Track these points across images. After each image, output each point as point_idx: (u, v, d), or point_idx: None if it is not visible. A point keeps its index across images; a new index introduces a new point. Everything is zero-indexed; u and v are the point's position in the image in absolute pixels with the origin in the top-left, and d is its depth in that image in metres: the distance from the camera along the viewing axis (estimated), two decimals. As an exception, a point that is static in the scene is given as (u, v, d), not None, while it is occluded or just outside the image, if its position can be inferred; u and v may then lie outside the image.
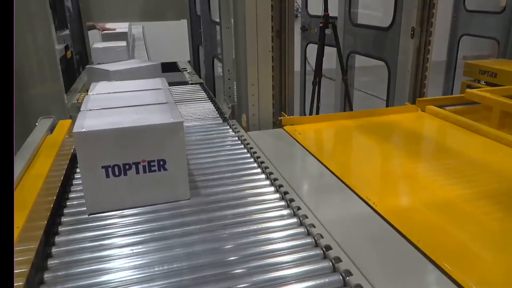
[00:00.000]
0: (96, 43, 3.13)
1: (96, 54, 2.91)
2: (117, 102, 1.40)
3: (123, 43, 3.02)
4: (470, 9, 4.38)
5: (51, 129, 1.63)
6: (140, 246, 1.05)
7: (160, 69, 2.83)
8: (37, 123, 1.66)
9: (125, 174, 1.18)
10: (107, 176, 1.17)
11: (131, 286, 0.92)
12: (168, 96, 1.46)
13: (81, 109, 1.33)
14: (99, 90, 1.58)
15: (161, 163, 1.21)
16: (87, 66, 2.89)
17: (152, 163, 1.20)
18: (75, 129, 1.13)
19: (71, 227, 1.15)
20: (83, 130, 1.13)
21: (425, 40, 2.48)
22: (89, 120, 1.21)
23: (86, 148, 1.14)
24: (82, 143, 1.15)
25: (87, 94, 1.54)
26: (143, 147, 1.19)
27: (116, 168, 1.17)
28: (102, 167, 1.16)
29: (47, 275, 0.96)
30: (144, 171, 1.20)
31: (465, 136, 1.87)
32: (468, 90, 2.34)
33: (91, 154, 1.15)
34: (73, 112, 1.95)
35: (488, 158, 1.64)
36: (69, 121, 1.65)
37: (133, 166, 1.19)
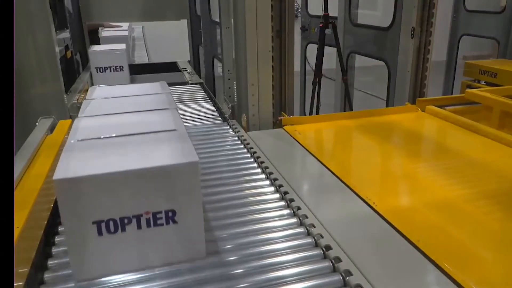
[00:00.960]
0: (94, 46, 3.12)
1: (94, 57, 2.90)
2: (115, 128, 1.12)
3: (122, 46, 3.02)
4: (470, 9, 4.38)
5: (51, 129, 1.63)
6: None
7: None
8: (37, 123, 1.66)
9: (123, 230, 0.92)
10: (100, 233, 0.90)
11: (131, 286, 0.92)
12: (177, 118, 1.19)
13: (69, 136, 1.08)
14: (95, 105, 1.33)
15: (170, 214, 0.94)
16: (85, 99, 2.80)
17: (158, 215, 0.93)
18: (56, 175, 0.85)
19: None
20: (67, 176, 0.85)
21: (425, 40, 2.48)
22: (76, 159, 0.93)
23: (71, 199, 0.86)
24: (65, 192, 0.86)
25: (85, 99, 1.37)
26: (146, 195, 0.91)
27: (111, 223, 0.90)
28: (93, 223, 0.89)
29: (47, 275, 0.95)
30: (148, 225, 0.93)
31: (465, 136, 1.87)
32: (468, 90, 2.34)
33: (78, 206, 0.87)
34: (73, 112, 1.95)
35: (488, 158, 1.64)
36: (69, 121, 1.65)
37: (134, 220, 0.92)
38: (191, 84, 3.09)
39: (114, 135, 1.07)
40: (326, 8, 3.55)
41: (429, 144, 1.90)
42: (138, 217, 0.92)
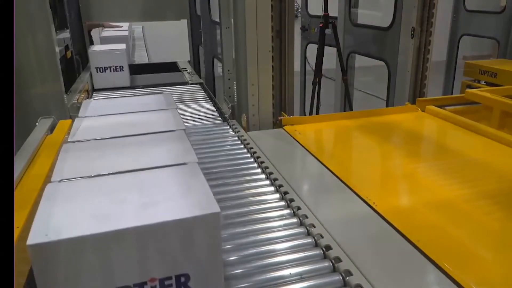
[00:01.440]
0: (94, 46, 3.12)
1: (94, 57, 2.90)
2: (111, 162, 0.93)
3: (122, 46, 3.02)
4: (470, 9, 4.38)
5: (51, 129, 1.63)
6: None
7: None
8: (37, 123, 1.66)
9: None
10: None
11: (131, 286, 0.91)
12: (187, 146, 1.03)
13: (54, 171, 0.88)
14: (86, 129, 1.16)
15: (183, 280, 0.73)
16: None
17: (167, 282, 0.72)
18: (30, 239, 0.64)
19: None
20: (45, 240, 0.64)
21: (425, 40, 2.48)
22: (60, 213, 0.72)
23: (47, 269, 0.65)
24: (42, 261, 0.65)
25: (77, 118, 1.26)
26: (152, 257, 0.70)
27: None
28: None
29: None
30: None
31: (465, 136, 1.87)
32: (468, 90, 2.34)
33: (55, 277, 0.66)
34: (73, 112, 1.95)
35: (488, 158, 1.64)
36: (69, 121, 1.64)
37: None
38: (191, 84, 3.09)
39: (109, 172, 0.88)
40: (326, 8, 3.55)
41: (429, 144, 1.90)
42: (140, 286, 0.71)
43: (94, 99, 1.56)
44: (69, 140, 1.09)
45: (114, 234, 0.67)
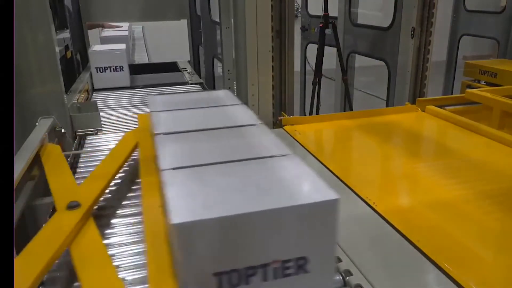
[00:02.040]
0: (94, 46, 3.12)
1: (94, 57, 2.90)
2: (214, 152, 0.96)
3: (122, 46, 3.02)
4: (470, 9, 4.38)
5: (51, 129, 1.63)
6: None
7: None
8: (37, 123, 1.66)
9: (247, 283, 0.76)
10: (220, 287, 0.75)
11: (132, 286, 0.92)
12: (275, 139, 1.04)
13: (161, 160, 0.91)
14: (169, 122, 1.17)
15: (302, 263, 0.78)
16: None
17: (287, 264, 0.77)
18: (174, 218, 0.69)
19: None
20: (189, 219, 0.69)
21: (425, 40, 2.48)
22: (187, 196, 0.77)
23: (193, 247, 0.71)
24: (187, 239, 0.71)
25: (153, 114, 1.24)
26: (275, 241, 0.75)
27: (234, 275, 0.75)
28: (215, 275, 0.74)
29: (47, 275, 0.95)
30: (275, 277, 0.77)
31: (465, 136, 1.87)
32: (468, 90, 2.34)
33: (201, 255, 0.72)
34: (72, 112, 1.95)
35: (488, 158, 1.64)
36: (144, 114, 1.57)
37: (260, 271, 0.76)
38: (191, 84, 3.09)
39: (215, 161, 0.91)
40: (326, 8, 3.55)
41: (429, 144, 1.90)
42: (264, 267, 0.75)
43: (158, 95, 1.54)
44: (158, 132, 1.10)
45: (248, 216, 0.72)
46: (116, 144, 1.45)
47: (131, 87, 2.98)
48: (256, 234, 0.73)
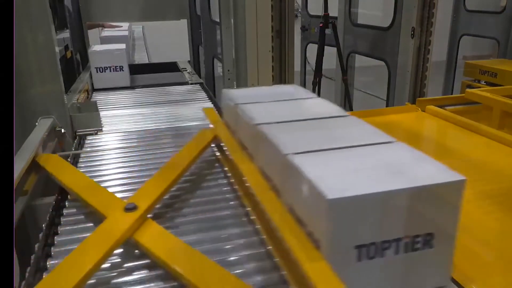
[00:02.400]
0: (94, 46, 3.12)
1: (94, 57, 2.90)
2: (326, 140, 1.00)
3: (122, 46, 3.02)
4: (470, 9, 4.38)
5: (51, 129, 1.63)
6: None
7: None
8: (37, 123, 1.66)
9: (382, 255, 0.83)
10: (359, 259, 0.81)
11: (132, 286, 0.92)
12: (372, 127, 1.09)
13: (279, 146, 0.97)
14: (261, 113, 1.19)
15: (428, 238, 0.85)
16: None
17: (416, 239, 0.84)
18: (329, 194, 0.75)
19: (71, 227, 1.15)
20: (344, 195, 0.76)
21: (425, 40, 2.49)
22: (331, 177, 0.83)
23: (342, 222, 0.78)
24: (338, 214, 0.77)
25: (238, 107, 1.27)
26: (409, 217, 0.82)
27: (372, 248, 0.82)
28: (356, 247, 0.81)
29: (47, 275, 0.95)
30: (405, 251, 0.84)
31: (465, 136, 1.87)
32: (468, 90, 2.34)
33: (347, 229, 0.79)
34: (72, 112, 1.95)
35: (488, 158, 1.64)
36: (210, 109, 1.59)
37: (393, 245, 0.83)
38: (191, 84, 3.09)
39: (330, 147, 0.96)
40: (326, 8, 3.56)
41: (429, 144, 1.90)
42: (397, 242, 0.83)
43: (232, 90, 1.55)
44: (259, 122, 1.13)
45: (392, 193, 0.79)
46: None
47: (131, 87, 2.98)
48: (395, 210, 0.80)
